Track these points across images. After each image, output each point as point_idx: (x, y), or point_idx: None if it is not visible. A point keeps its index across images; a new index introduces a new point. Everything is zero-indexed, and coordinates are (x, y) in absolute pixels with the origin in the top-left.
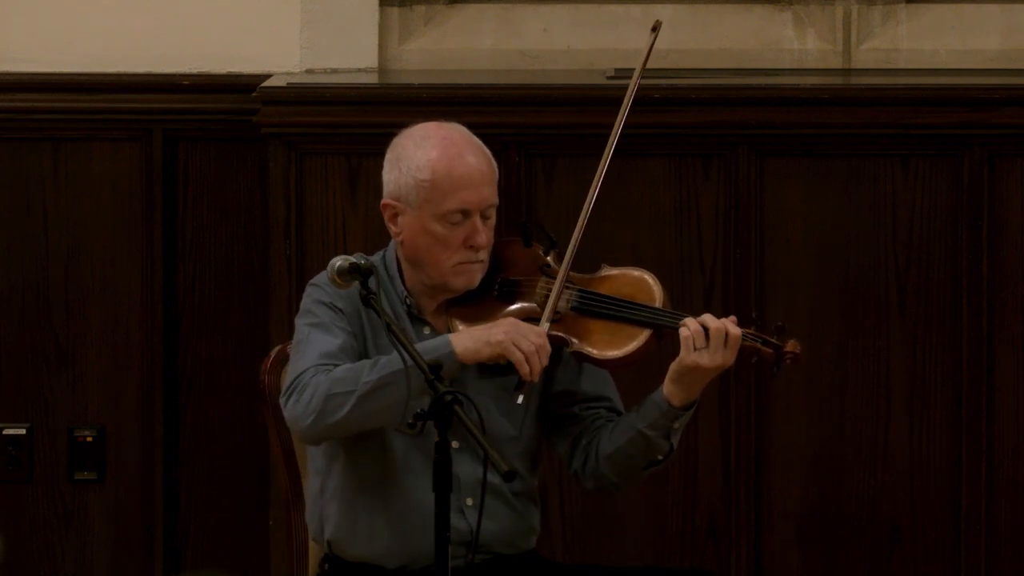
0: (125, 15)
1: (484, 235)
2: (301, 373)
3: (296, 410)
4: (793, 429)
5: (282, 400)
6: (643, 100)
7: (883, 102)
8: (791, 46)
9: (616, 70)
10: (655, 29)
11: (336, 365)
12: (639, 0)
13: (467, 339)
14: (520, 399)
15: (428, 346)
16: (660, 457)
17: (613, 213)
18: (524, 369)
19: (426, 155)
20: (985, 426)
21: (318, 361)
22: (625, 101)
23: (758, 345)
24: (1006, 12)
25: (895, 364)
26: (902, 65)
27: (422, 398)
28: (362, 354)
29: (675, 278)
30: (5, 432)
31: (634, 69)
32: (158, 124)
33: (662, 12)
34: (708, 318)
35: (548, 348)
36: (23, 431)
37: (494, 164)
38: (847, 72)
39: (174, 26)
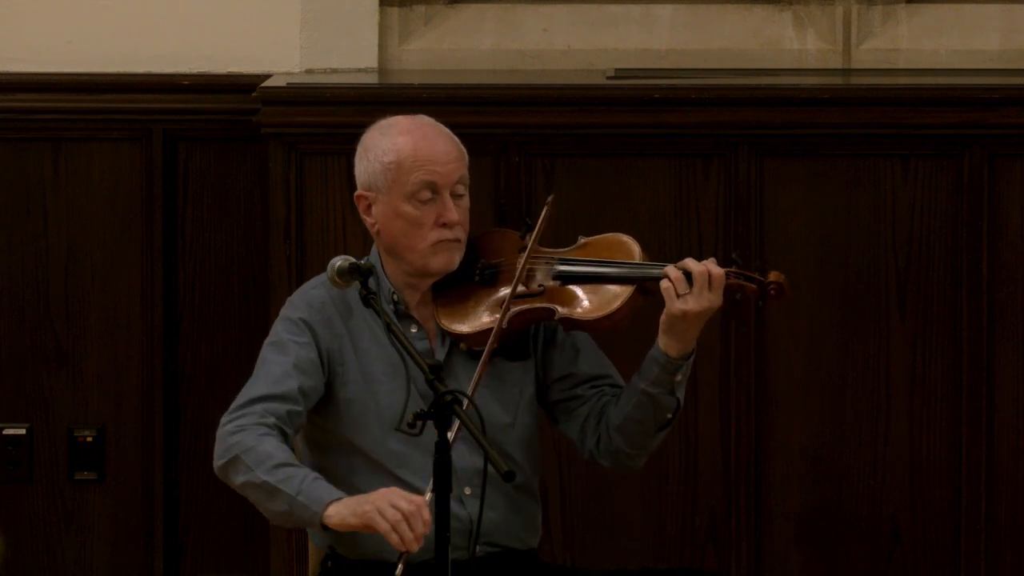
0: (125, 15)
1: (456, 212)
2: (252, 403)
3: (221, 443)
4: (793, 429)
5: (224, 417)
6: (643, 100)
7: (883, 102)
8: (791, 46)
9: (616, 70)
10: (549, 203)
11: (286, 400)
12: (639, 0)
13: (341, 505)
14: (399, 570)
15: (312, 495)
16: (669, 415)
17: (613, 213)
18: (392, 539)
19: (391, 140)
20: (985, 426)
21: (269, 391)
22: (518, 275)
23: (741, 282)
24: (1006, 12)
25: (895, 364)
26: (902, 65)
27: (305, 526)
28: (330, 362)
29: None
30: (5, 432)
31: (633, 69)
32: (158, 124)
33: (662, 12)
34: (689, 262)
35: (425, 515)
36: (23, 431)
37: (463, 148)
38: (847, 72)
39: (174, 26)
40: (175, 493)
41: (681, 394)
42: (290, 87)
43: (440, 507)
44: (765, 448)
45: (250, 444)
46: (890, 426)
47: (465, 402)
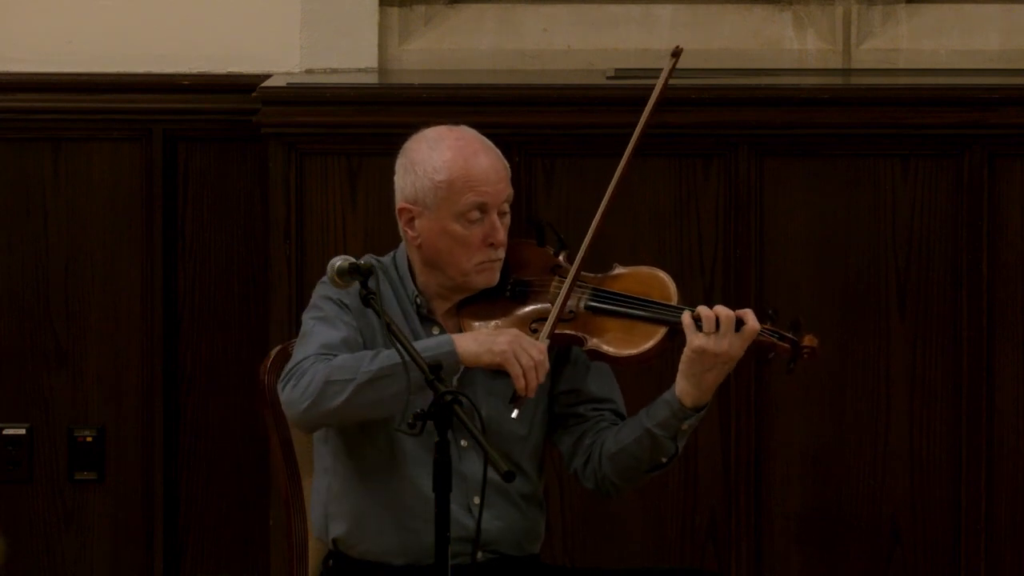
0: (125, 15)
1: (503, 232)
2: (301, 361)
3: (293, 395)
4: (793, 429)
5: (280, 385)
6: (643, 100)
7: (883, 102)
8: (791, 46)
9: (616, 70)
10: (676, 54)
11: (336, 355)
12: (639, 0)
13: (471, 342)
14: (515, 413)
15: (431, 343)
16: (664, 460)
17: (613, 213)
18: (520, 383)
19: (441, 156)
20: (985, 426)
21: (319, 351)
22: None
23: (775, 340)
24: (1006, 12)
25: (895, 364)
26: (902, 65)
27: (422, 393)
28: (365, 350)
29: (675, 278)
30: (5, 432)
31: (633, 69)
32: (158, 124)
33: (662, 12)
34: (719, 307)
35: (547, 365)
36: (23, 431)
37: (506, 162)
38: (847, 72)
39: (174, 26)
40: (175, 493)
41: (682, 443)
42: (290, 87)
43: (440, 507)
44: (765, 448)
45: (327, 368)
46: (890, 426)
47: (479, 421)
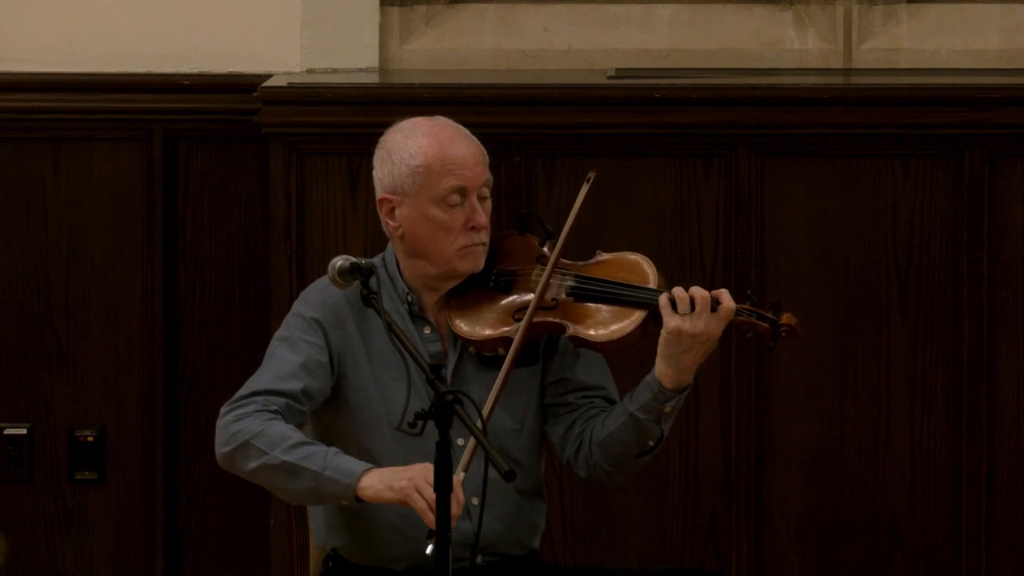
0: (125, 15)
1: (483, 216)
2: (254, 395)
3: (223, 432)
4: (793, 429)
5: (224, 408)
6: (643, 100)
7: (883, 102)
8: (791, 46)
9: (616, 70)
10: (588, 180)
11: (288, 396)
12: (639, 0)
13: (376, 478)
14: (430, 549)
15: (342, 468)
16: (651, 443)
17: (613, 213)
18: (427, 517)
19: (417, 143)
20: (985, 426)
21: (273, 386)
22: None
23: (753, 320)
24: (1007, 12)
25: (895, 364)
26: (902, 65)
27: (328, 502)
28: (340, 365)
29: (675, 278)
30: (5, 432)
31: (633, 69)
32: (158, 124)
33: (662, 12)
34: (695, 288)
35: (460, 497)
36: (23, 431)
37: (484, 149)
38: (847, 72)
39: (174, 26)
40: (175, 493)
41: (667, 426)
42: (291, 87)
43: (440, 507)
44: (765, 448)
45: (258, 429)
46: (890, 426)
47: (479, 420)
